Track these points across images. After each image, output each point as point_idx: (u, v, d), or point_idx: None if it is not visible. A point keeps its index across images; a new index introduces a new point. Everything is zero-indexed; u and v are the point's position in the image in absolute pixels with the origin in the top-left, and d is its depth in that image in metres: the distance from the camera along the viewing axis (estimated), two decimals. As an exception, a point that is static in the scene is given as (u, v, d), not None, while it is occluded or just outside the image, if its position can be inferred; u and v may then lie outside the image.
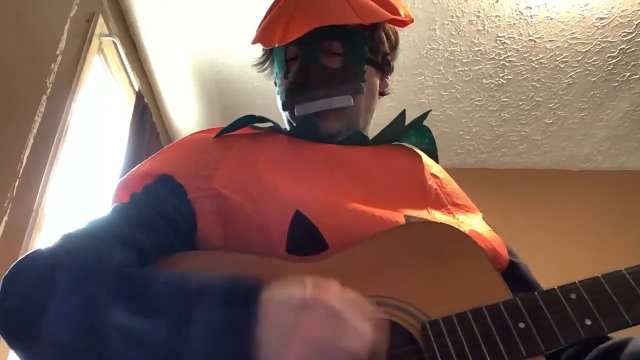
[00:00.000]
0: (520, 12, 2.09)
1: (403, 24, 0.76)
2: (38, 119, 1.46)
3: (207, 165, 0.64)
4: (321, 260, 0.55)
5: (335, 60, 0.72)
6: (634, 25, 2.12)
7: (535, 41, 2.23)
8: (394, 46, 0.80)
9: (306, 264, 0.54)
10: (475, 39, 2.24)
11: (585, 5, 2.04)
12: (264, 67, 0.82)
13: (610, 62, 2.30)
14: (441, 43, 2.27)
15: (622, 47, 2.22)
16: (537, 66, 2.36)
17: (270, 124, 0.75)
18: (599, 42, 2.21)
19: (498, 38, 2.23)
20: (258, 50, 0.82)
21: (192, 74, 2.54)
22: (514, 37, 2.22)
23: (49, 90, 1.52)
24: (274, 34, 0.70)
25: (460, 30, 2.20)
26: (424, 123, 0.77)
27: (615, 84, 2.43)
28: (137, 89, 2.25)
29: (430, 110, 0.81)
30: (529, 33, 2.19)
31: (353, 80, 0.72)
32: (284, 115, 0.77)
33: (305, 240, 0.56)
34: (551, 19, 2.11)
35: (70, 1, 1.69)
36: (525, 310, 0.48)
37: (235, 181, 0.62)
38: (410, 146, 0.77)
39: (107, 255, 0.48)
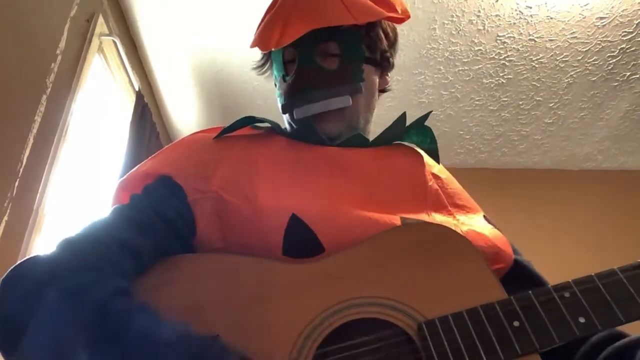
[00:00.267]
0: (520, 11, 2.09)
1: (400, 20, 0.76)
2: (38, 119, 1.46)
3: (207, 166, 0.64)
4: (318, 262, 0.55)
5: (332, 62, 0.71)
6: (634, 25, 2.12)
7: (535, 41, 2.23)
8: (392, 43, 0.79)
9: (303, 266, 0.55)
10: (476, 38, 2.24)
11: (585, 5, 2.04)
12: (264, 69, 0.82)
13: (611, 61, 2.30)
14: (441, 43, 2.27)
15: (622, 46, 2.22)
16: (537, 66, 2.36)
17: (270, 125, 0.75)
18: (599, 42, 2.21)
19: (498, 37, 2.23)
20: (258, 51, 0.82)
21: (192, 74, 2.54)
22: (514, 37, 2.22)
23: (49, 90, 1.53)
24: (271, 38, 0.70)
25: (460, 30, 2.20)
26: (425, 123, 0.77)
27: (616, 84, 2.43)
28: (137, 89, 2.25)
29: (431, 112, 0.81)
30: (529, 32, 2.19)
31: (351, 81, 0.71)
32: (285, 117, 0.77)
33: (302, 244, 0.56)
34: (551, 18, 2.11)
35: (70, 1, 1.69)
36: (520, 309, 0.48)
37: (233, 183, 0.62)
38: (411, 145, 0.77)
39: (98, 281, 0.49)
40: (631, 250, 2.55)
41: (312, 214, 0.58)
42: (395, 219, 0.60)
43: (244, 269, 0.55)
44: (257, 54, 0.83)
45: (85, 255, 0.51)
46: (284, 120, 0.78)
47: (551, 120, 2.72)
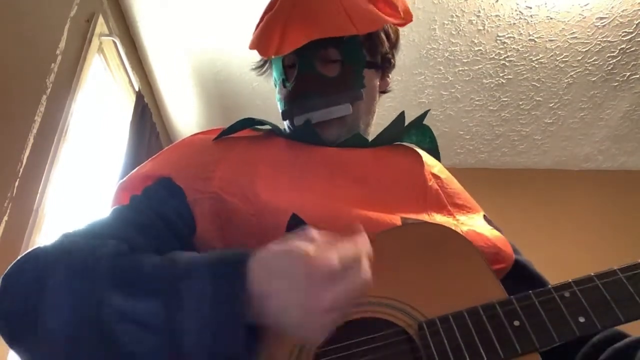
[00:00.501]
0: (520, 11, 2.09)
1: (402, 24, 0.76)
2: (38, 119, 1.46)
3: (206, 167, 0.65)
4: None
5: (332, 68, 0.71)
6: (634, 25, 2.12)
7: (535, 41, 2.23)
8: (394, 43, 0.79)
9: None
10: (476, 38, 2.24)
11: (585, 5, 2.04)
12: (263, 70, 0.82)
13: (611, 61, 2.30)
14: (441, 43, 2.27)
15: (622, 46, 2.22)
16: (537, 66, 2.36)
17: (269, 127, 0.75)
18: (599, 42, 2.21)
19: (498, 38, 2.23)
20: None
21: (192, 74, 2.55)
22: (514, 37, 2.22)
23: (49, 90, 1.53)
24: (270, 43, 0.69)
25: (460, 30, 2.20)
26: (424, 122, 0.77)
27: (616, 84, 2.43)
28: (137, 89, 2.25)
29: (429, 110, 0.80)
30: (529, 33, 2.19)
31: (351, 88, 0.71)
32: (285, 123, 0.77)
33: None
34: (551, 18, 2.11)
35: (70, 1, 1.69)
36: (520, 308, 0.48)
37: (233, 183, 0.62)
38: (411, 145, 0.77)
39: (100, 247, 0.49)
40: (631, 250, 2.55)
41: (312, 214, 0.58)
42: (396, 219, 0.60)
43: None
44: (257, 54, 0.83)
45: (85, 245, 0.51)
46: (284, 123, 0.78)
47: (551, 120, 2.72)
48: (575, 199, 2.96)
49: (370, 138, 0.76)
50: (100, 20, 1.91)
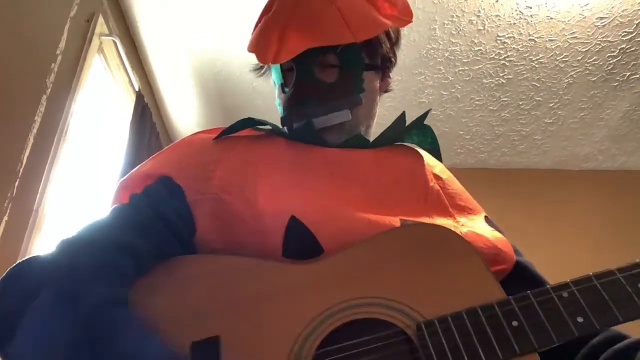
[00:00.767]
0: (520, 11, 2.09)
1: (402, 24, 0.75)
2: (38, 119, 1.46)
3: (207, 167, 0.64)
4: (317, 263, 0.55)
5: (331, 73, 0.70)
6: (634, 25, 2.12)
7: (535, 41, 2.23)
8: (395, 42, 0.78)
9: (302, 267, 0.55)
10: (476, 38, 2.24)
11: (585, 5, 2.04)
12: (262, 72, 0.82)
13: (611, 61, 2.30)
14: (441, 43, 2.27)
15: (622, 46, 2.22)
16: (537, 66, 2.36)
17: (270, 127, 0.74)
18: (599, 42, 2.21)
19: (498, 38, 2.23)
20: (257, 52, 0.82)
21: (192, 74, 2.55)
22: (514, 37, 2.22)
23: (49, 90, 1.53)
24: (268, 49, 0.68)
25: (460, 30, 2.20)
26: (425, 122, 0.76)
27: (616, 84, 2.43)
28: (137, 89, 2.25)
29: (430, 110, 0.80)
30: (529, 33, 2.19)
31: (350, 93, 0.71)
32: (284, 129, 0.77)
33: (301, 245, 0.56)
34: (551, 18, 2.11)
35: (70, 1, 1.69)
36: (519, 309, 0.48)
37: (233, 184, 0.62)
38: (412, 146, 0.77)
39: (92, 286, 0.49)
40: (631, 250, 2.55)
41: (312, 215, 0.58)
42: (395, 221, 0.60)
43: (243, 270, 0.55)
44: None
45: (84, 257, 0.51)
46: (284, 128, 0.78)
47: (551, 120, 2.72)
48: (575, 199, 2.96)
49: (371, 138, 0.76)
50: (100, 20, 1.92)
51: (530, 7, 2.07)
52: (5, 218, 1.29)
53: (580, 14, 2.08)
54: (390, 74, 0.80)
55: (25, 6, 1.43)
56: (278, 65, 0.74)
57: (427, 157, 0.75)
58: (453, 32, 2.21)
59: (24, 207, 1.39)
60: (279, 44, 0.68)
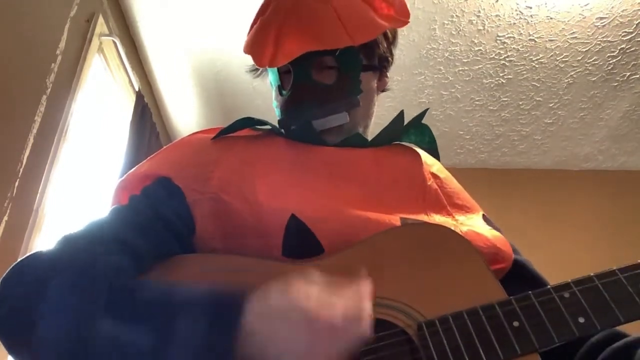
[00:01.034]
0: (520, 11, 2.09)
1: (399, 25, 0.75)
2: (38, 119, 1.46)
3: (206, 167, 0.64)
4: (317, 263, 0.55)
5: (328, 75, 0.70)
6: (634, 25, 2.12)
7: (535, 41, 2.23)
8: (391, 42, 0.78)
9: (302, 267, 0.55)
10: (475, 38, 2.24)
11: (585, 5, 2.04)
12: (258, 73, 0.82)
13: (611, 61, 2.30)
14: (441, 43, 2.27)
15: (622, 46, 2.22)
16: (537, 66, 2.36)
17: (269, 127, 0.74)
18: (599, 42, 2.21)
19: (498, 38, 2.23)
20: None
21: (192, 74, 2.55)
22: (514, 37, 2.22)
23: (49, 90, 1.53)
24: (264, 52, 0.68)
25: (460, 30, 2.20)
26: (423, 121, 0.76)
27: (616, 84, 2.43)
28: (137, 89, 2.25)
29: (428, 109, 0.80)
30: (529, 33, 2.19)
31: (348, 95, 0.70)
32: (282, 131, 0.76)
33: (301, 244, 0.56)
34: (551, 18, 2.11)
35: (70, 1, 1.69)
36: (520, 309, 0.48)
37: (232, 184, 0.61)
38: (410, 145, 0.77)
39: (101, 263, 0.49)
40: (631, 250, 2.55)
41: (312, 214, 0.58)
42: (395, 219, 0.60)
43: (243, 269, 0.55)
44: (254, 56, 0.83)
45: (84, 253, 0.51)
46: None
47: (551, 120, 2.72)
48: (575, 199, 2.96)
49: (369, 137, 0.76)
50: (100, 20, 1.91)
51: (530, 7, 2.07)
52: (5, 218, 1.29)
53: (580, 14, 2.08)
54: (388, 74, 0.80)
55: (25, 6, 1.43)
56: (275, 67, 0.74)
57: (425, 156, 0.76)
58: (453, 32, 2.21)
59: (24, 207, 1.39)
60: (275, 46, 0.68)
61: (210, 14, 2.17)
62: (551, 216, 2.89)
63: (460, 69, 2.41)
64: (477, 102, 2.62)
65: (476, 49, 2.29)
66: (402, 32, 2.09)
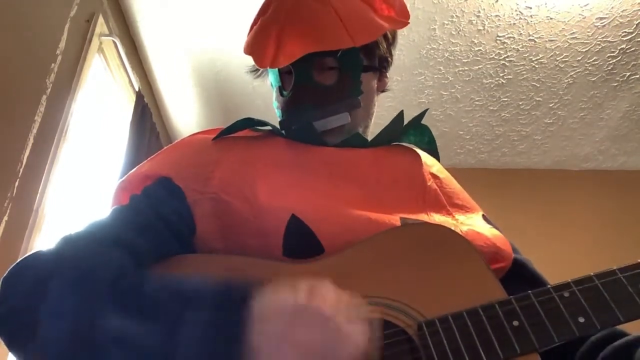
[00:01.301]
0: (520, 12, 2.09)
1: (400, 26, 0.75)
2: (38, 119, 1.46)
3: (206, 167, 0.64)
4: (317, 262, 0.55)
5: (329, 76, 0.70)
6: (634, 25, 2.12)
7: (535, 41, 2.23)
8: (391, 43, 0.78)
9: (303, 266, 0.55)
10: (475, 38, 2.24)
11: (585, 5, 2.04)
12: (258, 73, 0.82)
13: (610, 62, 2.30)
14: (441, 43, 2.27)
15: (622, 46, 2.22)
16: (537, 66, 2.36)
17: (269, 127, 0.74)
18: (599, 42, 2.21)
19: (498, 38, 2.23)
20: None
21: (192, 74, 2.55)
22: (514, 37, 2.22)
23: (49, 90, 1.53)
24: (265, 53, 0.68)
25: (460, 30, 2.20)
26: (423, 122, 0.76)
27: (615, 84, 2.43)
28: (137, 89, 2.25)
29: (427, 109, 0.80)
30: (529, 33, 2.19)
31: (349, 96, 0.71)
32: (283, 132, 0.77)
33: (302, 244, 0.56)
34: (551, 18, 2.11)
35: (70, 1, 1.69)
36: (520, 308, 0.48)
37: (232, 184, 0.62)
38: (409, 146, 0.77)
39: (102, 262, 0.49)
40: (631, 250, 2.55)
41: (312, 214, 0.58)
42: (395, 219, 0.60)
43: (243, 269, 0.55)
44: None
45: (84, 252, 0.51)
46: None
47: (551, 121, 2.72)
48: (575, 199, 2.96)
49: (369, 137, 0.76)
50: (100, 20, 1.91)
51: (530, 8, 2.07)
52: (5, 218, 1.29)
53: (580, 14, 2.08)
54: (388, 74, 0.80)
55: (25, 6, 1.43)
56: (276, 68, 0.74)
57: (425, 157, 0.76)
58: (453, 32, 2.21)
59: (24, 207, 1.39)
60: (276, 47, 0.68)
61: (210, 14, 2.17)
62: (551, 216, 2.89)
63: (460, 69, 2.41)
64: (477, 102, 2.62)
65: (476, 49, 2.29)
66: (402, 33, 2.09)
